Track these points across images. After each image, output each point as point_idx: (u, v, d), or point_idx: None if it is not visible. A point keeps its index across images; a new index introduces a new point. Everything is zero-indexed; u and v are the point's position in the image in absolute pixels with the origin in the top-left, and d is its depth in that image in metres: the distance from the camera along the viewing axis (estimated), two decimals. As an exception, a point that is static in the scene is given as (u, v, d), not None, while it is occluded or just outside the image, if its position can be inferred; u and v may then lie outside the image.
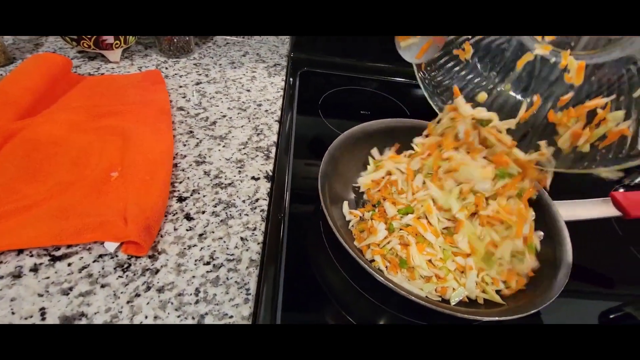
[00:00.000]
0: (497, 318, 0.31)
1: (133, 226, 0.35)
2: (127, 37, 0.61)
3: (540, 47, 0.42)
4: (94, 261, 0.35)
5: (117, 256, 0.35)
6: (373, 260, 0.38)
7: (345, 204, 0.45)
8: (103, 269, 0.34)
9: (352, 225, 0.43)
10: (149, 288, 0.34)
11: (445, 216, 0.40)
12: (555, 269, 0.36)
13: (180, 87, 0.61)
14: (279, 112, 0.59)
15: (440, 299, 0.36)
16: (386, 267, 0.38)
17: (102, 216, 0.36)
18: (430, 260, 0.38)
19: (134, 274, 0.34)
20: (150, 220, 0.36)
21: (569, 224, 0.41)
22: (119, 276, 0.34)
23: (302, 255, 0.41)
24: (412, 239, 0.38)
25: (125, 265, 0.35)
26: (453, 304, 0.35)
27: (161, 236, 0.38)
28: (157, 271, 0.35)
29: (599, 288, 0.45)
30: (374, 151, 0.50)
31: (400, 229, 0.40)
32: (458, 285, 0.36)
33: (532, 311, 0.32)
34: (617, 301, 0.43)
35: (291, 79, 0.72)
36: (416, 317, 0.36)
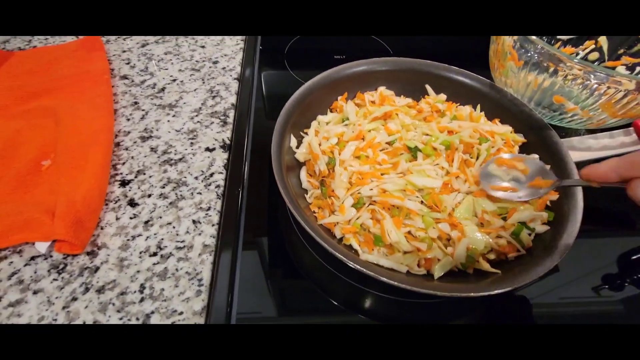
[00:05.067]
0: (486, 293, 0.26)
1: (59, 222, 0.30)
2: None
3: None
4: (26, 265, 0.31)
5: (51, 257, 0.31)
6: (343, 238, 0.33)
7: (304, 169, 0.38)
8: (36, 272, 0.30)
9: (310, 197, 0.36)
10: (87, 289, 0.30)
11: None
12: (561, 225, 0.30)
13: (124, 51, 0.53)
14: (238, 69, 0.51)
15: (425, 272, 0.31)
16: (359, 243, 0.32)
17: (27, 213, 0.32)
18: (409, 232, 0.32)
19: (71, 275, 0.30)
20: (81, 213, 0.32)
21: (581, 164, 0.34)
22: (54, 279, 0.30)
23: (265, 234, 0.36)
24: (386, 214, 0.32)
25: (61, 266, 0.31)
26: (437, 277, 0.30)
27: (101, 228, 0.34)
28: (97, 269, 0.31)
29: (618, 229, 0.39)
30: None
31: (370, 204, 0.33)
32: (444, 255, 0.31)
33: (529, 280, 0.26)
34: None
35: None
36: (400, 294, 0.32)
